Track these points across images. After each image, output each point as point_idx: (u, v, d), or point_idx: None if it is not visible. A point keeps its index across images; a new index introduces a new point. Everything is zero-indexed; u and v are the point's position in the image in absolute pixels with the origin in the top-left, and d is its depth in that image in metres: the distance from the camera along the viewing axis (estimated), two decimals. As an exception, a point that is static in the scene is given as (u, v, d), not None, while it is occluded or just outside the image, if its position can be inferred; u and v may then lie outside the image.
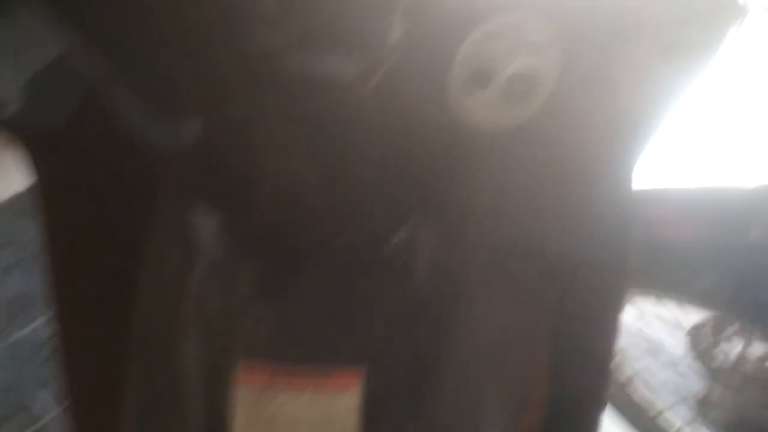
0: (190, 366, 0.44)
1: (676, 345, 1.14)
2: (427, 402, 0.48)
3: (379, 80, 0.32)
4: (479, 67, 0.31)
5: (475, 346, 0.53)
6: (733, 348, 1.04)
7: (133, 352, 0.47)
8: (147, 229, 0.38)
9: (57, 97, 0.39)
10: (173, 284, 0.40)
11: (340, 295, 0.40)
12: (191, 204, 0.36)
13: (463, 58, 0.30)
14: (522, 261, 0.51)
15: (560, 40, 0.31)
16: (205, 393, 0.44)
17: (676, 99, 0.35)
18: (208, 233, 0.37)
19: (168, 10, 0.23)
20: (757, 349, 0.99)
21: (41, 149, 0.41)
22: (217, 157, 0.32)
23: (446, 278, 0.47)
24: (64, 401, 0.54)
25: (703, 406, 1.05)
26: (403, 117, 0.34)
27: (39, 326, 1.58)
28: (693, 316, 1.05)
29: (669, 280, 0.98)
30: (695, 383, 1.09)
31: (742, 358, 1.01)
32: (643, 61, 0.32)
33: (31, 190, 0.46)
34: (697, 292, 0.96)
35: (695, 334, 1.07)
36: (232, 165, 0.32)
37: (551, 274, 0.52)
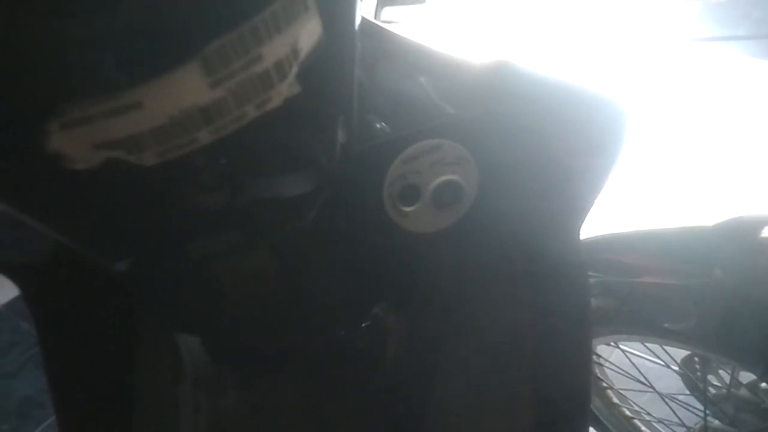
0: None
1: (669, 381, 1.16)
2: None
3: (326, 197, 0.37)
4: (407, 185, 0.36)
5: (454, 419, 0.56)
6: (722, 378, 1.07)
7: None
8: (136, 348, 0.43)
9: (34, 242, 0.44)
10: (165, 397, 0.44)
11: (319, 392, 0.44)
12: (171, 327, 0.40)
13: (392, 179, 0.36)
14: (489, 330, 0.55)
15: (473, 154, 0.36)
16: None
17: (598, 188, 0.40)
18: (191, 350, 0.41)
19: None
20: (744, 377, 1.01)
21: (27, 283, 0.46)
22: (186, 291, 0.37)
23: (417, 358, 0.51)
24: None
25: (703, 438, 1.07)
26: (350, 228, 0.39)
27: (47, 426, 1.59)
28: (679, 352, 1.08)
29: (651, 323, 1.02)
30: (691, 416, 1.11)
31: (732, 387, 1.04)
32: (556, 164, 0.37)
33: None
34: (681, 334, 0.99)
35: (686, 368, 1.09)
36: (200, 296, 0.37)
37: (521, 342, 0.56)
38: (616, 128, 0.36)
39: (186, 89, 0.23)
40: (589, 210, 0.48)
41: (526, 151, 0.37)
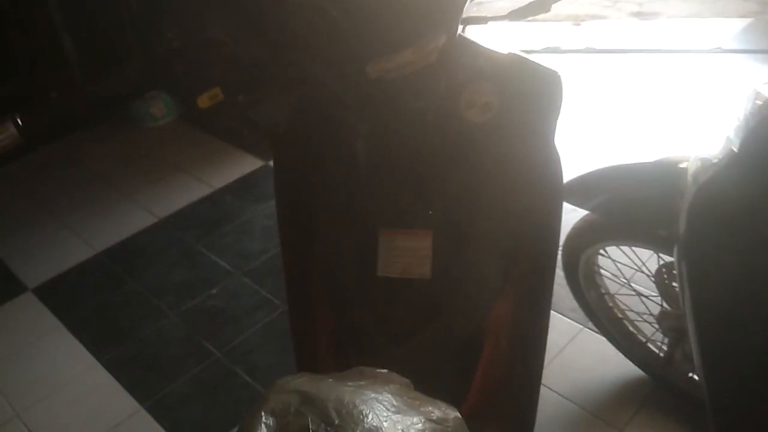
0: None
1: (640, 281, 1.64)
2: (462, 251, 1.07)
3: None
4: (470, 100, 0.92)
5: (487, 234, 1.10)
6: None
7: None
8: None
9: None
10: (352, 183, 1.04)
11: (419, 195, 1.01)
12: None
13: (466, 97, 0.91)
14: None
15: (498, 91, 0.91)
16: (367, 241, 1.05)
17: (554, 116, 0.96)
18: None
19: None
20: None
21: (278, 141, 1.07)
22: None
23: (469, 200, 1.06)
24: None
25: (660, 320, 1.55)
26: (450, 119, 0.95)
27: (199, 301, 2.22)
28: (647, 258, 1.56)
29: (636, 232, 1.46)
30: (653, 306, 1.59)
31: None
32: (530, 103, 0.92)
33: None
34: (659, 241, 1.42)
35: (659, 274, 1.54)
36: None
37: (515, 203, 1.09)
38: (557, 86, 0.91)
39: (407, 56, 0.80)
40: (554, 127, 1.01)
41: (519, 92, 0.92)
